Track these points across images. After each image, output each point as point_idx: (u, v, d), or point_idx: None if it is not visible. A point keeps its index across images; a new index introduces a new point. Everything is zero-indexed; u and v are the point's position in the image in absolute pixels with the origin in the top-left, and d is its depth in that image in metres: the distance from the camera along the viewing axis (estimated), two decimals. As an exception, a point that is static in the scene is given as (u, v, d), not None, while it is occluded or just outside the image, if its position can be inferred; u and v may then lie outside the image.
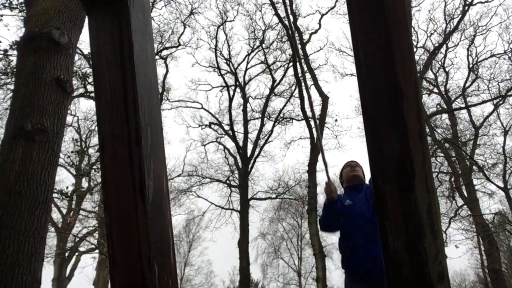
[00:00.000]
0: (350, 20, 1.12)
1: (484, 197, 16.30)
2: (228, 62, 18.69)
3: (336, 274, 26.21)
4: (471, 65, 16.57)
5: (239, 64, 18.86)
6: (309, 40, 16.41)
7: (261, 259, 27.40)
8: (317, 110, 15.24)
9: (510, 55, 15.59)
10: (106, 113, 1.20)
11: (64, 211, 16.82)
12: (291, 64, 16.02)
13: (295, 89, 16.67)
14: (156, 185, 1.18)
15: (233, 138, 18.27)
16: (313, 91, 14.63)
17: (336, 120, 16.81)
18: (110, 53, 1.22)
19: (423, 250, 0.99)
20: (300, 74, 14.07)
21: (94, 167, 15.05)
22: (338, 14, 16.64)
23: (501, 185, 14.99)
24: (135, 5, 1.24)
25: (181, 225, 26.97)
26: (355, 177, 3.27)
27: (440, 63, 17.38)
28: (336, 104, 46.05)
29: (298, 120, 17.74)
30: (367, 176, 3.28)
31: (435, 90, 17.70)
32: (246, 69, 18.75)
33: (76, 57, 9.70)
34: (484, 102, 15.79)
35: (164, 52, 16.94)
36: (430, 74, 17.57)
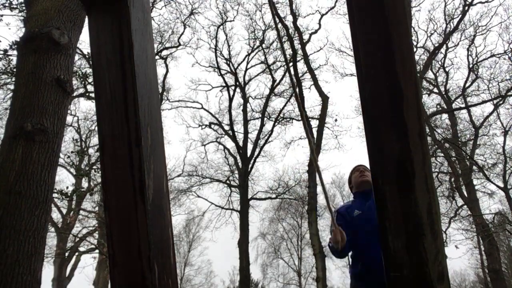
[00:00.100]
0: (350, 20, 1.12)
1: (484, 197, 16.31)
2: (228, 62, 18.70)
3: (336, 274, 26.27)
4: (471, 65, 16.58)
5: (239, 64, 18.89)
6: (309, 40, 16.42)
7: (261, 259, 27.43)
8: (317, 110, 15.26)
9: (510, 55, 15.60)
10: (106, 113, 1.20)
11: (64, 211, 16.83)
12: (290, 64, 16.01)
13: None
14: (156, 185, 1.18)
15: (233, 138, 18.27)
16: (313, 91, 14.65)
17: (336, 120, 16.82)
18: (110, 53, 1.22)
19: (423, 250, 0.99)
20: (299, 73, 14.06)
21: (94, 167, 15.06)
22: (338, 14, 16.66)
23: (501, 185, 14.99)
24: (135, 5, 1.24)
25: (181, 225, 26.98)
26: (364, 183, 3.13)
27: (440, 63, 17.40)
28: (336, 104, 46.11)
29: (298, 120, 17.75)
30: None
31: (435, 90, 17.71)
32: (246, 69, 18.77)
33: (76, 57, 9.70)
34: (484, 102, 15.80)
35: (164, 52, 16.95)
36: (430, 74, 17.58)
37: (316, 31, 16.54)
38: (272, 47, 17.80)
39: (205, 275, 29.55)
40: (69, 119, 15.95)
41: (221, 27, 18.05)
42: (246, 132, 18.20)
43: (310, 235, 13.91)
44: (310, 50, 20.52)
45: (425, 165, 1.01)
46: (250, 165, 17.50)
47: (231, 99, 18.47)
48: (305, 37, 16.21)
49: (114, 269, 1.13)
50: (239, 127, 18.64)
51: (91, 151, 17.01)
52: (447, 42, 16.53)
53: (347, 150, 35.25)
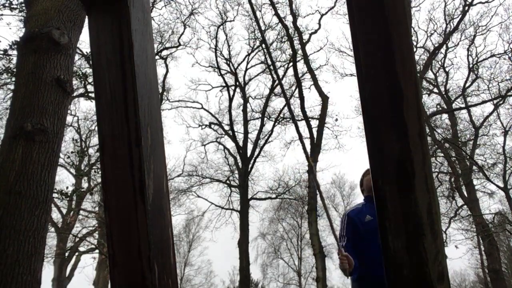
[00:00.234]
0: (350, 20, 1.12)
1: (484, 197, 16.32)
2: (228, 62, 18.71)
3: (336, 274, 26.22)
4: (471, 65, 16.58)
5: (239, 64, 18.90)
6: (308, 40, 16.42)
7: (261, 259, 27.44)
8: (317, 110, 15.25)
9: (510, 55, 15.60)
10: (106, 113, 1.20)
11: (64, 211, 16.82)
12: (291, 64, 16.02)
13: (295, 89, 16.68)
14: (156, 185, 1.18)
15: (233, 138, 18.28)
16: (313, 91, 14.65)
17: (336, 120, 16.82)
18: (110, 53, 1.22)
19: (423, 250, 0.99)
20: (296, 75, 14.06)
21: (94, 167, 15.07)
22: (338, 14, 16.67)
23: (501, 185, 14.99)
24: (135, 5, 1.24)
25: (181, 225, 26.99)
26: None
27: (440, 63, 17.40)
28: (336, 104, 46.13)
29: (298, 120, 17.73)
30: None
31: (435, 90, 17.71)
32: (246, 69, 18.78)
33: (76, 57, 9.70)
34: (484, 102, 15.80)
35: (164, 52, 16.95)
36: (430, 74, 17.58)
37: (316, 31, 16.56)
38: (272, 47, 17.81)
39: (205, 275, 29.59)
40: (69, 119, 15.95)
41: (221, 27, 18.08)
42: (246, 132, 18.20)
43: (310, 235, 13.91)
44: (310, 50, 20.55)
45: (425, 165, 1.01)
46: (250, 165, 17.51)
47: (231, 99, 18.49)
48: (305, 37, 16.23)
49: (114, 269, 1.13)
50: (239, 127, 18.67)
51: (91, 151, 17.03)
52: (447, 42, 16.53)
53: (347, 150, 35.29)
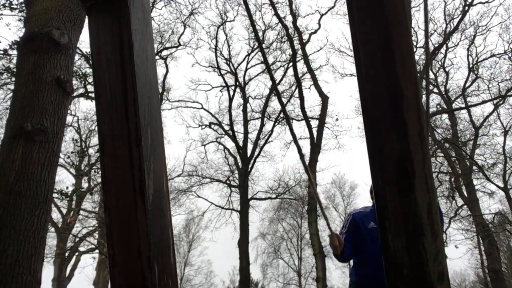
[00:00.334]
0: (350, 20, 1.12)
1: (484, 197, 16.32)
2: (228, 62, 18.71)
3: (336, 274, 26.26)
4: (471, 65, 16.58)
5: (239, 64, 18.90)
6: (308, 40, 16.43)
7: (261, 259, 27.42)
8: (317, 110, 15.25)
9: (510, 55, 15.59)
10: (106, 113, 1.20)
11: (64, 211, 16.82)
12: (291, 64, 16.02)
13: (295, 90, 16.68)
14: (156, 185, 1.18)
15: (233, 138, 18.27)
16: (313, 91, 14.66)
17: (337, 120, 16.83)
18: (110, 53, 1.22)
19: (423, 250, 0.99)
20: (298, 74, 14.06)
21: (94, 167, 15.07)
22: (338, 15, 16.67)
23: (501, 185, 14.99)
24: (135, 5, 1.24)
25: (181, 225, 26.97)
26: None
27: (440, 63, 17.39)
28: (336, 104, 46.12)
29: (298, 120, 17.74)
30: None
31: (435, 90, 17.70)
32: (246, 69, 18.78)
33: (76, 57, 9.70)
34: (484, 102, 15.80)
35: (164, 52, 16.95)
36: (430, 74, 17.55)
37: (315, 31, 16.56)
38: (272, 47, 17.82)
39: (205, 275, 29.56)
40: (69, 119, 15.95)
41: (221, 27, 18.08)
42: (246, 132, 18.20)
43: (310, 235, 13.91)
44: (310, 50, 20.56)
45: (425, 165, 1.01)
46: (250, 165, 17.51)
47: (231, 99, 18.48)
48: (305, 37, 16.23)
49: (114, 269, 1.13)
50: (239, 127, 18.67)
51: (91, 151, 17.02)
52: (447, 42, 16.52)
53: (347, 150, 35.29)
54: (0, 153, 3.22)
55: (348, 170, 42.64)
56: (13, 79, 6.75)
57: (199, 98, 43.61)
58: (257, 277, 26.05)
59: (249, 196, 17.44)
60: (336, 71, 20.26)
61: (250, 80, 18.96)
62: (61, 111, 3.47)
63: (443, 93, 17.32)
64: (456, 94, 17.49)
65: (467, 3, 15.69)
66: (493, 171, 15.72)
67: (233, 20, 18.07)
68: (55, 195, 7.89)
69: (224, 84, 18.70)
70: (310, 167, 14.06)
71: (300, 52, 15.79)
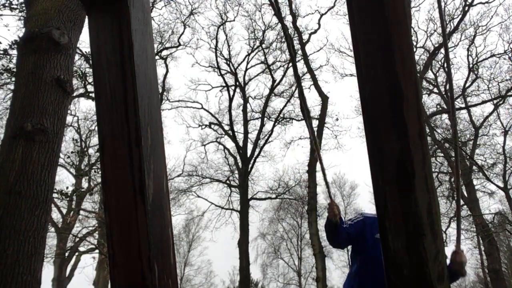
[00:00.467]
0: (350, 20, 1.12)
1: (484, 197, 16.32)
2: (228, 62, 18.71)
3: (336, 274, 26.24)
4: (471, 65, 16.58)
5: (239, 64, 18.90)
6: (308, 40, 16.43)
7: (261, 259, 27.42)
8: (317, 110, 15.25)
9: (510, 55, 15.60)
10: (106, 113, 1.20)
11: (64, 211, 16.83)
12: (290, 64, 16.02)
13: (295, 90, 16.68)
14: (156, 185, 1.18)
15: (233, 138, 18.27)
16: (313, 91, 14.65)
17: (337, 119, 16.83)
18: (110, 53, 1.22)
19: (423, 250, 0.99)
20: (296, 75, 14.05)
21: (94, 167, 15.07)
22: (338, 15, 16.67)
23: (501, 185, 15.00)
24: (135, 5, 1.24)
25: (181, 225, 26.97)
26: None
27: (440, 63, 17.39)
28: (336, 104, 46.11)
29: (298, 120, 17.77)
30: None
31: (435, 90, 17.71)
32: (246, 69, 18.78)
33: (76, 57, 9.70)
34: (484, 102, 15.82)
35: (164, 52, 16.95)
36: (430, 74, 17.58)
37: (315, 31, 16.57)
38: (272, 47, 17.83)
39: (205, 275, 29.56)
40: (69, 119, 15.95)
41: (221, 27, 18.07)
42: (246, 132, 18.20)
43: (310, 235, 13.91)
44: (310, 50, 20.56)
45: (425, 165, 1.01)
46: (250, 165, 17.51)
47: (231, 99, 18.48)
48: (305, 37, 16.23)
49: (114, 269, 1.12)
50: (239, 127, 18.67)
51: (91, 151, 17.02)
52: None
53: (347, 150, 35.33)
54: (0, 153, 3.22)
55: (348, 170, 42.69)
56: (13, 79, 6.75)
57: (199, 98, 43.62)
58: (257, 277, 26.06)
59: (249, 196, 17.44)
60: (336, 71, 20.30)
61: (250, 80, 18.98)
62: (61, 111, 3.47)
63: (443, 93, 17.32)
64: (456, 94, 17.48)
65: (467, 3, 15.70)
66: (493, 171, 15.73)
67: (233, 20, 18.10)
68: (55, 195, 7.89)
69: (224, 84, 18.71)
70: (310, 167, 14.07)
71: (300, 52, 15.78)
